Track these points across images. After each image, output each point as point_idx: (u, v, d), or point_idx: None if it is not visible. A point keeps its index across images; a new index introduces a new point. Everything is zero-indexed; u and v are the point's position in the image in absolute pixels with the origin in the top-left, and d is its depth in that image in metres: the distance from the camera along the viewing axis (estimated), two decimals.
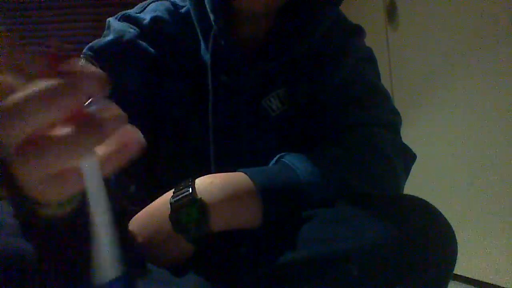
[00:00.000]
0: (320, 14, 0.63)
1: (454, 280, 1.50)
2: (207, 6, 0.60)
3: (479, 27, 1.44)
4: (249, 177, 0.51)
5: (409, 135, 0.69)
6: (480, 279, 1.44)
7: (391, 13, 1.93)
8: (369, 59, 0.71)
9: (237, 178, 0.51)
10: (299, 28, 0.64)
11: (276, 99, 0.65)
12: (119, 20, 0.65)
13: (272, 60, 0.64)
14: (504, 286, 1.34)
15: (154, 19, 0.64)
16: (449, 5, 1.57)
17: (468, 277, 1.46)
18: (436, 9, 1.65)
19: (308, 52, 0.65)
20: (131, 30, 0.63)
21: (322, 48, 0.67)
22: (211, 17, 0.60)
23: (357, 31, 0.71)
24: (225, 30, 0.60)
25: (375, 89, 0.68)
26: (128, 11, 0.66)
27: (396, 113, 0.68)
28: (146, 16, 0.64)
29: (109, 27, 0.64)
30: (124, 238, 0.53)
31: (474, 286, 1.45)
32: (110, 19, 0.66)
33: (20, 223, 0.45)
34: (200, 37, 0.64)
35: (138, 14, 0.65)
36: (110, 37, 0.62)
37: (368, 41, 0.72)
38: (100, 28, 0.68)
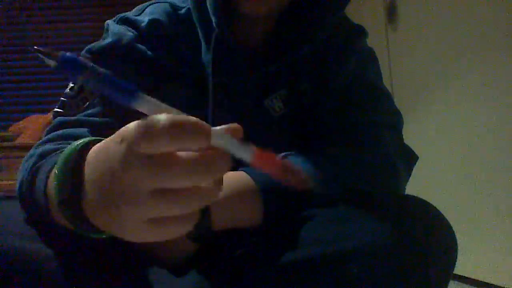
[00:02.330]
0: (323, 18, 0.63)
1: (454, 280, 1.50)
2: (208, 8, 0.60)
3: (479, 27, 1.44)
4: (250, 176, 0.51)
5: (409, 135, 0.69)
6: (480, 279, 1.44)
7: (391, 13, 1.93)
8: (371, 59, 0.71)
9: (238, 177, 0.51)
10: (302, 31, 0.64)
11: (278, 100, 0.65)
12: (117, 23, 0.65)
13: (274, 62, 0.64)
14: (504, 286, 1.34)
15: (152, 22, 0.64)
16: (449, 5, 1.57)
17: (468, 277, 1.46)
18: (436, 9, 1.65)
19: (310, 52, 0.65)
20: (129, 33, 0.63)
21: (324, 48, 0.66)
22: (213, 19, 0.59)
23: (359, 32, 0.71)
24: (227, 33, 0.60)
25: (377, 89, 0.68)
26: (127, 13, 0.66)
27: (397, 114, 0.68)
28: (144, 19, 0.64)
29: (107, 30, 0.64)
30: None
31: (474, 286, 1.45)
32: (109, 21, 0.65)
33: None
34: (201, 39, 0.64)
35: (136, 17, 0.65)
36: (108, 40, 0.62)
37: (368, 41, 0.72)
38: (100, 28, 0.68)
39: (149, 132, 0.28)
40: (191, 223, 0.32)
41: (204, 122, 0.30)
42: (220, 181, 0.33)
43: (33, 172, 0.47)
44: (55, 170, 0.38)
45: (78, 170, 0.36)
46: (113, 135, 0.33)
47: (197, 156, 0.30)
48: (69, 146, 0.39)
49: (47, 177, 0.43)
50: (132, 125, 0.31)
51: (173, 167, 0.29)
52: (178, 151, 0.30)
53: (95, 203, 0.34)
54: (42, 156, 0.48)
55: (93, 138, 0.39)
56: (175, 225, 0.32)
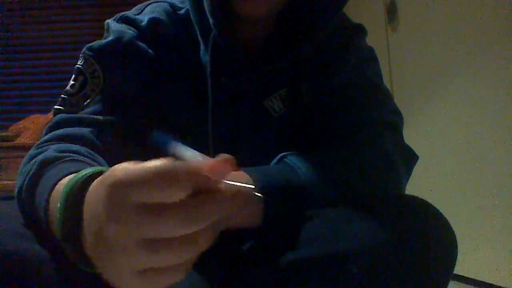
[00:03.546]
0: (322, 18, 0.63)
1: (454, 280, 1.49)
2: (206, 9, 0.60)
3: (479, 26, 1.44)
4: (250, 176, 0.51)
5: (409, 135, 0.69)
6: (480, 279, 1.44)
7: (391, 13, 1.93)
8: (371, 59, 0.70)
9: (238, 177, 0.51)
10: (301, 31, 0.64)
11: (278, 100, 0.65)
12: (117, 22, 0.65)
13: (273, 63, 0.64)
14: (504, 286, 1.34)
15: (152, 21, 0.64)
16: (449, 5, 1.57)
17: (468, 277, 1.46)
18: (436, 9, 1.65)
19: (310, 52, 0.65)
20: (129, 32, 0.63)
21: (324, 48, 0.66)
22: (210, 20, 0.60)
23: (359, 31, 0.71)
24: (225, 33, 0.60)
25: (377, 89, 0.68)
26: (126, 12, 0.66)
27: (398, 113, 0.68)
28: (144, 18, 0.64)
29: (108, 29, 0.64)
30: None
31: (474, 286, 1.45)
32: (109, 21, 0.66)
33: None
34: (200, 39, 0.64)
35: (136, 16, 0.65)
36: (109, 38, 0.62)
37: (368, 41, 0.72)
38: (100, 28, 0.68)
39: (144, 180, 0.27)
40: (183, 273, 0.30)
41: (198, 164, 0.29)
42: (214, 225, 0.30)
43: (34, 180, 0.46)
44: (58, 203, 0.36)
45: (79, 206, 0.35)
46: (106, 173, 0.32)
47: (189, 202, 0.28)
48: (71, 177, 0.38)
49: (50, 193, 0.41)
50: (121, 169, 0.29)
51: (162, 215, 0.27)
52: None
53: (90, 246, 0.33)
54: (44, 164, 0.47)
55: (98, 169, 0.38)
56: (167, 276, 0.30)
